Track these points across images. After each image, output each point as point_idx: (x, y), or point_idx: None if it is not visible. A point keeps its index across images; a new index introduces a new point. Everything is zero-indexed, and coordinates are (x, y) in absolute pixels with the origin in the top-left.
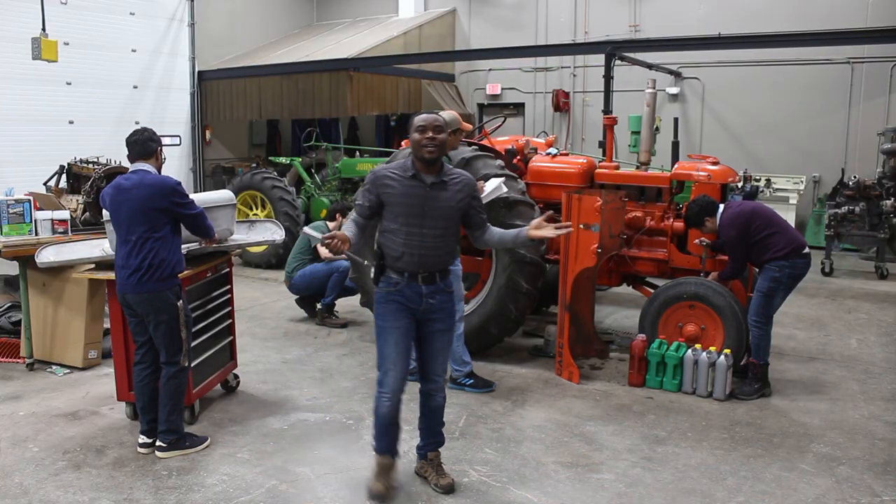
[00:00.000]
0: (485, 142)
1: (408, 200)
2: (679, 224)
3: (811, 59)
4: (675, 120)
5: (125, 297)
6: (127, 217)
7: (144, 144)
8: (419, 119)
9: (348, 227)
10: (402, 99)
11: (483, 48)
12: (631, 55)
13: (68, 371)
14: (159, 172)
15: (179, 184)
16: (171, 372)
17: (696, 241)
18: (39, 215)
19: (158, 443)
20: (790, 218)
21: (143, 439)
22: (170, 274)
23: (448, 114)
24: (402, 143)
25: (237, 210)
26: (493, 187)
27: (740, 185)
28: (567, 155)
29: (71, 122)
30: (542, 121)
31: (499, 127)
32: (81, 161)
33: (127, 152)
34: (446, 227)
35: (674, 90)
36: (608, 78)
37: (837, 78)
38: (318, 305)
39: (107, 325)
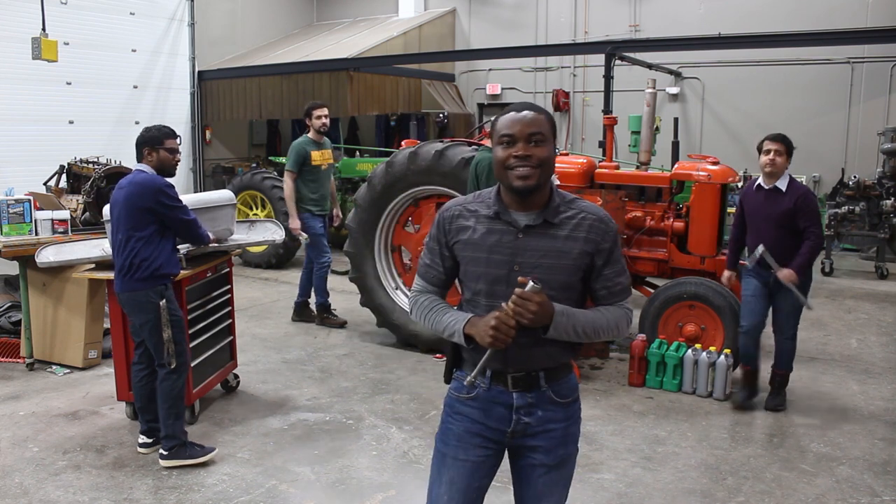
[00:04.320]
0: (485, 142)
1: (486, 254)
2: (679, 224)
3: (811, 59)
4: (675, 120)
5: (117, 296)
6: (116, 216)
7: (138, 147)
8: (504, 123)
9: (424, 306)
10: (402, 99)
11: (483, 48)
12: (631, 55)
13: (68, 371)
14: (161, 173)
15: (169, 185)
16: (162, 374)
17: (758, 253)
18: (39, 215)
19: (160, 449)
20: None
21: (142, 439)
22: (150, 275)
23: None
24: (403, 142)
25: (237, 210)
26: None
27: (740, 185)
28: (567, 155)
29: (71, 122)
30: None
31: None
32: (81, 161)
33: None
34: (553, 298)
35: (674, 90)
36: (608, 78)
37: (837, 78)
38: (312, 306)
39: (107, 325)
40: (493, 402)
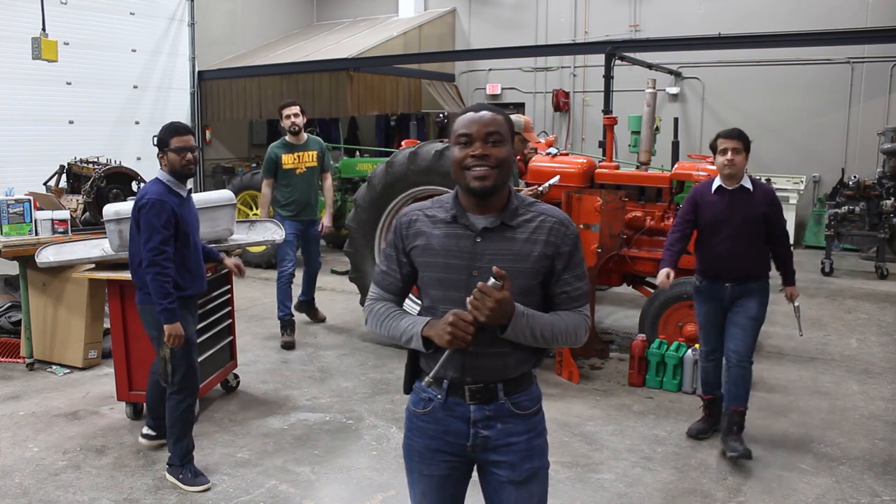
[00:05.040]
0: None
1: (444, 259)
2: None
3: (811, 59)
4: (675, 120)
5: None
6: None
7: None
8: (461, 123)
9: (379, 314)
10: (402, 99)
11: (483, 48)
12: (631, 55)
13: (68, 371)
14: (177, 177)
15: (153, 206)
16: (168, 392)
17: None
18: (39, 215)
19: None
20: (790, 218)
21: (146, 430)
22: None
23: (515, 118)
24: (403, 142)
25: (237, 210)
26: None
27: None
28: (567, 155)
29: (71, 122)
30: (542, 121)
31: None
32: (81, 161)
33: None
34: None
35: (674, 90)
36: (608, 78)
37: (837, 78)
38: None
39: (107, 325)
40: (451, 415)
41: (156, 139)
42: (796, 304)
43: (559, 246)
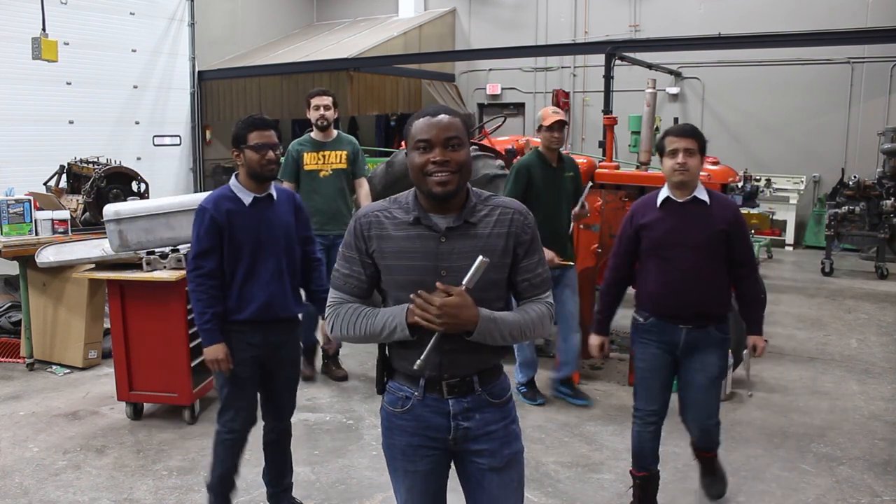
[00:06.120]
0: (485, 142)
1: (409, 261)
2: None
3: (811, 59)
4: (675, 120)
5: None
6: None
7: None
8: (419, 127)
9: (348, 315)
10: (402, 99)
11: (483, 48)
12: (631, 55)
13: (68, 371)
14: (255, 178)
15: (197, 211)
16: None
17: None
18: (39, 215)
19: None
20: (790, 218)
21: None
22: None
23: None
24: (403, 142)
25: None
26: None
27: (740, 185)
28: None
29: (71, 122)
30: None
31: (499, 127)
32: (81, 161)
33: None
34: (479, 299)
35: (674, 90)
36: (608, 78)
37: (837, 78)
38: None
39: (107, 325)
40: (430, 411)
41: (232, 135)
42: (745, 353)
43: (520, 235)
